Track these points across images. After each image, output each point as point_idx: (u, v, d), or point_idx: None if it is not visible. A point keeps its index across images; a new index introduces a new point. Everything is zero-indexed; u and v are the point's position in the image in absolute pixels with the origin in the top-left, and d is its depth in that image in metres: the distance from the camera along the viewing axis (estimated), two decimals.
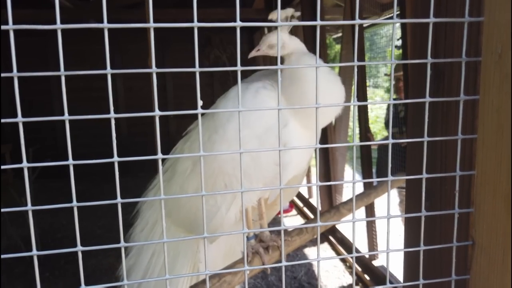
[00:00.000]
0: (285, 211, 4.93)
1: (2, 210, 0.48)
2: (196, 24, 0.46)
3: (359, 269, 3.47)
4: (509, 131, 0.51)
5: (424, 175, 0.57)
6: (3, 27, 0.40)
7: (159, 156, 0.48)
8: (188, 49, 6.40)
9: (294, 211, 5.08)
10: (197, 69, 0.47)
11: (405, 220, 0.80)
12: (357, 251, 3.60)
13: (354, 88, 0.55)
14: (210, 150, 1.46)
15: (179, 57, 6.58)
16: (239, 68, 0.49)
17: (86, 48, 6.05)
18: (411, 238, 0.79)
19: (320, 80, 1.30)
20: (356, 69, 0.53)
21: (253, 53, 1.42)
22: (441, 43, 0.65)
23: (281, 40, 1.36)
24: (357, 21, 0.49)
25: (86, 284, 0.62)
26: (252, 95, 1.35)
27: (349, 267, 3.61)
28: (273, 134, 1.37)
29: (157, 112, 0.47)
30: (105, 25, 0.42)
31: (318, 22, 0.48)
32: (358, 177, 6.14)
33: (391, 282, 2.98)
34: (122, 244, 0.48)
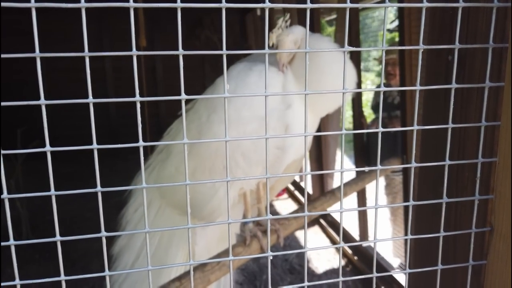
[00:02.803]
0: (278, 194, 4.96)
1: (27, 194, 0.46)
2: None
3: (349, 251, 3.53)
4: None
5: (447, 162, 0.57)
6: (26, 5, 0.38)
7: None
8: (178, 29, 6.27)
9: (285, 195, 5.12)
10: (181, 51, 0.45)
11: (414, 207, 0.80)
12: (349, 236, 3.66)
13: (382, 72, 0.54)
14: (208, 130, 1.44)
15: (169, 37, 6.46)
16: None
17: (76, 27, 5.88)
18: (421, 224, 0.79)
19: (335, 60, 1.29)
20: (384, 54, 0.52)
21: (281, 66, 1.36)
22: (463, 28, 0.64)
23: (295, 41, 1.33)
24: (387, 4, 0.48)
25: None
26: (258, 77, 1.33)
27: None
28: (274, 116, 1.36)
29: (183, 96, 0.45)
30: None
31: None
32: (349, 161, 6.17)
33: (381, 266, 3.04)
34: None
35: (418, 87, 0.53)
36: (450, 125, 0.56)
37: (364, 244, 3.35)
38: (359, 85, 3.19)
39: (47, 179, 0.50)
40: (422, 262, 0.81)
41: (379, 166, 0.54)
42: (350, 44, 3.35)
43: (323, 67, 1.27)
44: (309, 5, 0.46)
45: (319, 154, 4.14)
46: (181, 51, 0.44)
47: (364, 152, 3.46)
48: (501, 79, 0.58)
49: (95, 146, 0.43)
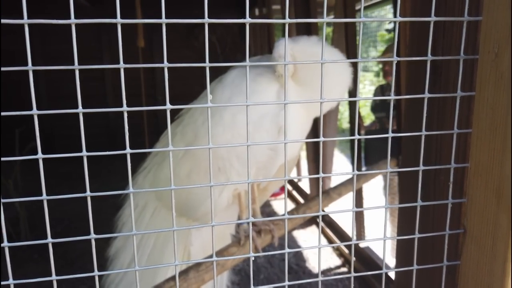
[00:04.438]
0: (276, 194, 4.98)
1: (22, 199, 0.49)
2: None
3: (346, 251, 3.56)
4: (502, 126, 0.54)
5: (421, 167, 0.60)
6: (18, 21, 0.40)
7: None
8: (176, 29, 6.30)
9: (283, 195, 5.15)
10: (165, 64, 0.48)
11: (399, 209, 0.83)
12: (346, 236, 3.69)
13: (357, 84, 0.57)
14: (205, 133, 1.47)
15: (168, 37, 6.47)
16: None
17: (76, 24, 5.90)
18: (404, 225, 0.82)
19: (329, 60, 1.30)
20: (359, 67, 0.54)
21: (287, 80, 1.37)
22: (439, 40, 0.67)
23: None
24: (362, 19, 0.51)
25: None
26: (252, 83, 1.36)
27: (337, 249, 3.70)
28: (269, 119, 1.39)
29: (169, 106, 0.48)
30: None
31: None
32: (346, 160, 6.18)
33: (378, 266, 3.07)
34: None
35: (392, 97, 0.56)
36: (424, 133, 0.59)
37: (359, 244, 3.38)
38: (355, 84, 3.22)
39: (45, 178, 0.53)
40: (408, 262, 0.84)
41: (355, 172, 0.57)
42: (347, 45, 3.39)
43: (314, 69, 1.30)
44: (287, 20, 0.49)
45: (317, 154, 4.17)
46: (166, 64, 0.47)
47: (360, 151, 3.49)
48: (473, 88, 0.61)
49: (84, 153, 0.46)
